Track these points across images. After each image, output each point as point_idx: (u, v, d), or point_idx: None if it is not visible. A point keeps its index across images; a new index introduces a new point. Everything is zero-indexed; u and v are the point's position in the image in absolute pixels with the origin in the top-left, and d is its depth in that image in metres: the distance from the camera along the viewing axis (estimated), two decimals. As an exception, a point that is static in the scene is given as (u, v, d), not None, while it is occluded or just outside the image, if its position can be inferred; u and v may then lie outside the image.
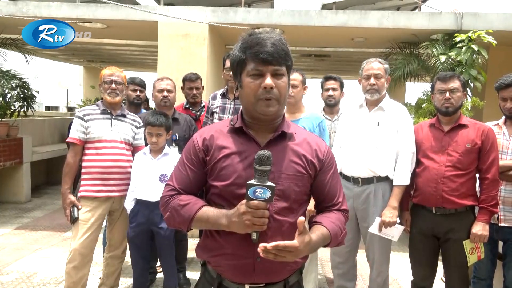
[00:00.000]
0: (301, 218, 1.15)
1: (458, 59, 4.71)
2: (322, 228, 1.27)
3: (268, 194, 1.15)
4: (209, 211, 1.26)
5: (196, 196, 1.35)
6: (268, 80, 1.20)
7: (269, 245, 1.11)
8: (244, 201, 1.17)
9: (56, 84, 17.24)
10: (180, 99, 3.86)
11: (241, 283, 1.29)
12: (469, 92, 5.01)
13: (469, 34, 4.62)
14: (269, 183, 1.16)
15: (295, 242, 1.13)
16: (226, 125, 1.36)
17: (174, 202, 1.31)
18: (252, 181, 1.15)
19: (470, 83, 4.79)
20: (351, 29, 5.17)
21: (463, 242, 2.31)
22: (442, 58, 4.80)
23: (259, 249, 1.12)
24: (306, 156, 1.30)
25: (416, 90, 6.99)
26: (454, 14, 5.00)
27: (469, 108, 4.72)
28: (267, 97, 1.22)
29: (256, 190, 1.14)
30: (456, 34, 4.78)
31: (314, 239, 1.21)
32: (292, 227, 1.25)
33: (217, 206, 1.28)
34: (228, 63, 3.07)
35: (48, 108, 14.35)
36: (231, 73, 3.12)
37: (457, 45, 4.77)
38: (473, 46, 4.62)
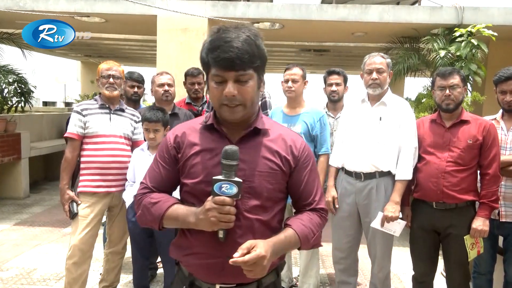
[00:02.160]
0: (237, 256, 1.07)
1: (457, 53, 4.69)
2: (288, 231, 1.23)
3: (234, 189, 1.11)
4: (179, 209, 1.24)
5: (169, 194, 1.33)
6: (229, 88, 1.15)
7: (232, 260, 1.07)
8: (210, 197, 1.13)
9: (53, 79, 17.17)
10: (179, 94, 3.84)
11: (212, 282, 1.26)
12: (469, 87, 5.00)
13: (469, 28, 4.60)
14: (236, 179, 1.13)
15: (251, 255, 1.07)
16: (199, 122, 1.32)
17: (146, 200, 1.30)
18: (219, 177, 1.13)
19: (470, 77, 4.78)
20: (351, 24, 5.14)
21: (464, 237, 2.31)
22: (442, 52, 4.78)
23: (230, 261, 1.07)
24: (280, 153, 1.26)
25: (416, 84, 6.97)
26: (455, 8, 4.98)
27: (469, 103, 4.71)
28: (230, 105, 1.17)
29: (222, 186, 1.11)
30: (456, 29, 4.76)
31: (274, 241, 1.16)
32: (265, 225, 1.23)
33: (189, 204, 1.25)
34: None
35: (45, 104, 14.32)
36: None
37: (457, 40, 4.75)
38: (473, 40, 4.60)
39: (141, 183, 1.35)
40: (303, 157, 1.30)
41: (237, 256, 1.06)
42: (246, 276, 1.12)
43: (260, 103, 3.09)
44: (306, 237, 1.25)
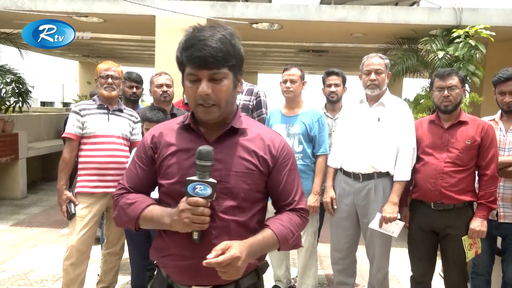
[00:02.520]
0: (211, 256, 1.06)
1: (456, 54, 4.70)
2: (266, 232, 1.21)
3: (208, 190, 1.10)
4: (154, 210, 1.23)
5: (147, 195, 1.31)
6: (203, 87, 1.13)
7: (205, 261, 1.05)
8: (184, 198, 1.12)
9: (51, 79, 17.13)
10: (178, 95, 3.83)
11: (188, 284, 1.24)
12: (467, 88, 5.01)
13: (467, 29, 4.61)
14: (210, 180, 1.11)
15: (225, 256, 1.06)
16: (177, 122, 1.31)
17: (122, 201, 1.28)
18: (193, 177, 1.11)
19: (468, 78, 4.79)
20: (350, 24, 5.15)
21: (462, 238, 2.31)
22: (440, 53, 4.79)
23: (204, 263, 1.05)
24: (257, 152, 1.23)
25: (414, 85, 6.98)
26: (454, 9, 4.99)
27: (468, 104, 4.72)
28: (204, 104, 1.15)
29: (196, 187, 1.10)
30: (454, 30, 4.77)
31: (251, 242, 1.14)
32: (242, 227, 1.21)
33: (166, 205, 1.23)
34: None
35: (43, 104, 14.28)
36: None
37: (455, 41, 4.76)
38: (471, 41, 4.61)
39: (119, 183, 1.34)
40: (282, 156, 1.27)
41: (211, 257, 1.05)
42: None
43: (255, 102, 3.09)
44: (285, 238, 1.23)
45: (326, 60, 9.19)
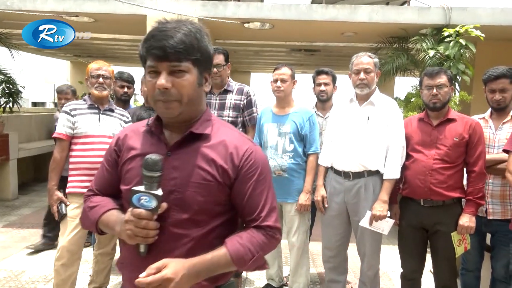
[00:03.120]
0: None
1: (446, 53, 4.74)
2: (220, 251, 1.09)
3: (153, 203, 1.03)
4: (111, 215, 1.17)
5: (114, 198, 1.25)
6: (161, 80, 1.05)
7: (136, 280, 0.97)
8: (130, 208, 1.05)
9: (42, 79, 16.95)
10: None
11: None
12: (457, 87, 5.06)
13: (457, 28, 4.66)
14: (156, 191, 1.04)
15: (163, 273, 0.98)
16: (144, 124, 1.23)
17: (86, 204, 1.26)
18: (139, 187, 1.05)
19: (458, 77, 4.84)
20: (341, 24, 5.18)
21: (451, 234, 2.34)
22: (431, 52, 4.83)
23: (136, 282, 0.97)
24: (216, 161, 1.12)
25: (405, 84, 7.04)
26: (443, 8, 5.04)
27: (457, 102, 4.77)
28: (163, 100, 1.07)
29: (141, 198, 1.03)
30: (444, 29, 4.81)
31: (195, 262, 1.04)
32: (196, 242, 1.11)
33: (125, 211, 1.14)
34: None
35: (34, 104, 14.15)
36: (214, 69, 3.12)
37: (445, 40, 4.81)
38: (461, 40, 4.66)
39: (89, 185, 1.31)
40: (247, 166, 1.14)
41: (143, 276, 0.98)
42: None
43: (245, 101, 3.10)
44: (242, 258, 1.10)
45: (318, 59, 9.22)
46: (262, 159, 1.19)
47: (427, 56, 4.85)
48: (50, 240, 3.99)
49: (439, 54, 4.84)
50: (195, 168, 1.11)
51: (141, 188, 1.05)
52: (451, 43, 4.72)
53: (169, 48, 1.03)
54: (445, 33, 4.77)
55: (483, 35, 4.48)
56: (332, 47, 7.40)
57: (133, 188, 1.06)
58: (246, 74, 14.14)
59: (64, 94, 3.99)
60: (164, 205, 1.07)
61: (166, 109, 1.09)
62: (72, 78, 11.93)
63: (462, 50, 4.71)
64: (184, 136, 1.13)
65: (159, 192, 1.05)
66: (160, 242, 1.09)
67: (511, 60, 6.04)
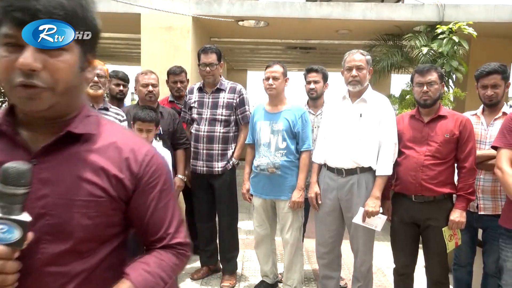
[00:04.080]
0: None
1: (439, 50, 4.76)
2: (122, 285, 0.83)
3: (16, 234, 0.71)
4: None
5: None
6: (26, 57, 0.73)
7: None
8: None
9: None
10: (163, 93, 3.83)
11: None
12: (451, 84, 5.07)
13: (450, 25, 4.67)
14: (20, 216, 0.72)
15: None
16: None
17: None
18: None
19: (452, 74, 4.85)
20: (335, 21, 5.18)
21: (442, 229, 2.36)
22: (425, 49, 4.84)
23: None
24: (108, 170, 0.85)
25: (400, 81, 7.05)
26: (436, 6, 5.05)
27: (452, 99, 4.79)
28: (26, 86, 0.74)
29: None
30: (437, 26, 4.83)
31: None
32: (81, 280, 0.83)
33: None
34: (203, 58, 3.06)
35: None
36: (207, 68, 3.12)
37: (439, 37, 4.82)
38: (454, 37, 4.67)
39: None
40: (148, 173, 0.89)
41: None
42: None
43: (238, 100, 3.11)
44: None
45: (314, 57, 9.22)
46: (164, 164, 0.95)
47: (420, 53, 4.87)
48: None
49: (432, 51, 4.85)
50: (77, 181, 0.82)
51: None
52: (445, 40, 4.72)
53: (40, 11, 0.72)
54: (439, 30, 4.78)
55: (475, 32, 4.49)
56: (327, 45, 7.39)
57: None
58: (243, 72, 14.12)
59: None
60: (30, 235, 0.75)
61: (30, 100, 0.75)
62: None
63: (455, 47, 4.72)
64: (58, 138, 0.82)
65: (25, 217, 0.73)
66: (33, 285, 0.79)
67: (506, 57, 6.09)
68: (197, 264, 3.55)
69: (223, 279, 3.27)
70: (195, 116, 3.13)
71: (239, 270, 3.56)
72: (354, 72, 2.54)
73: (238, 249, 3.38)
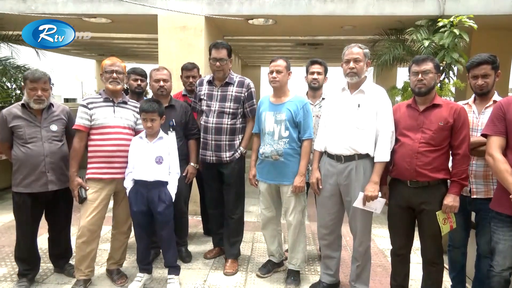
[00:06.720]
0: None
1: (441, 43, 4.61)
2: None
3: None
4: None
5: None
6: None
7: None
8: None
9: (73, 77, 17.23)
10: (179, 88, 3.85)
11: None
12: (452, 75, 4.92)
13: (451, 19, 4.52)
14: None
15: None
16: None
17: None
18: None
19: (453, 66, 4.71)
20: (339, 18, 5.08)
21: (436, 213, 2.31)
22: (426, 42, 4.70)
23: None
24: None
25: (405, 74, 6.88)
26: (437, 0, 4.88)
27: (453, 91, 4.65)
28: None
29: None
30: (439, 19, 4.67)
31: None
32: None
33: None
34: (214, 53, 3.04)
35: (66, 100, 14.40)
36: (217, 63, 3.11)
37: (440, 30, 4.67)
38: (455, 30, 4.52)
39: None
40: None
41: None
42: None
43: (246, 93, 3.10)
44: None
45: (322, 52, 9.09)
46: None
47: (422, 46, 4.73)
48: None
49: (434, 44, 4.71)
50: None
51: None
52: (446, 33, 4.57)
53: None
54: (440, 24, 4.63)
55: (476, 25, 4.33)
56: (334, 41, 7.27)
57: None
58: (257, 69, 14.06)
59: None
60: None
61: None
62: (98, 75, 12.09)
63: (456, 40, 4.57)
64: None
65: None
66: None
67: (506, 49, 5.87)
68: (210, 245, 3.60)
69: (226, 265, 3.17)
70: (204, 108, 3.13)
71: (248, 252, 3.59)
72: (351, 64, 2.50)
73: (242, 235, 3.33)
